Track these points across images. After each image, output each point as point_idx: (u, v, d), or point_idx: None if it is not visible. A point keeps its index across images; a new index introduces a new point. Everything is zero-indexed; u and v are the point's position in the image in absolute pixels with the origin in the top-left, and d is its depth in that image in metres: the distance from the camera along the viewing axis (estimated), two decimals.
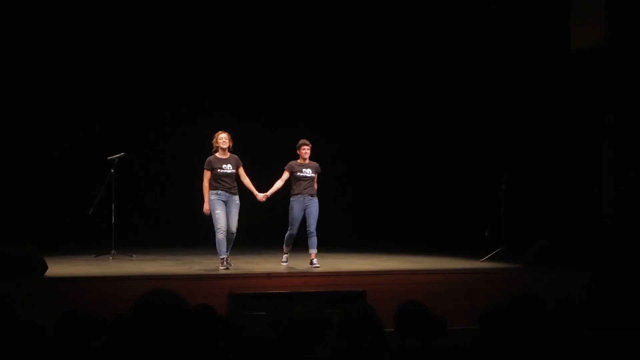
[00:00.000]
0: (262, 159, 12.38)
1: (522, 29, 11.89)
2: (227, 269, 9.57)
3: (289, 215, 10.03)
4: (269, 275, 9.14)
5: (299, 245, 12.05)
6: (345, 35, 13.52)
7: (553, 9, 11.23)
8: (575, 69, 10.83)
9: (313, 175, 10.04)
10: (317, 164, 10.14)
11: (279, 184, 10.02)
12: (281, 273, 9.39)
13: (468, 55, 12.96)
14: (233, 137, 10.02)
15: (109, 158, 10.71)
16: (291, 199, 10.01)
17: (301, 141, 10.08)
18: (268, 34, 13.47)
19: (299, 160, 10.07)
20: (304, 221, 10.05)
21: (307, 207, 9.98)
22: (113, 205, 10.59)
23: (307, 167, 10.03)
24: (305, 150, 10.02)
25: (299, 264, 10.30)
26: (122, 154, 10.71)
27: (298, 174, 9.97)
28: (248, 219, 10.71)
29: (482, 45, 12.68)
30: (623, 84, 10.32)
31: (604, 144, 10.46)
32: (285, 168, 10.05)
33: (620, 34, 10.27)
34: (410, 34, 13.38)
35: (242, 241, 12.51)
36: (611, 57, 10.29)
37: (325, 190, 13.86)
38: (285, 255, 10.25)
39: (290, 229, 10.07)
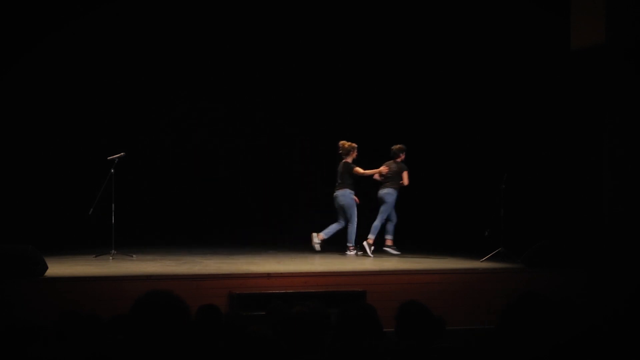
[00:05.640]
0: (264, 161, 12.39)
1: (522, 29, 11.89)
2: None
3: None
4: (269, 275, 9.13)
5: (299, 245, 12.08)
6: (347, 36, 13.53)
7: (553, 9, 11.23)
8: (575, 69, 10.83)
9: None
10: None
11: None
12: (281, 273, 9.39)
13: (468, 55, 12.97)
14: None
15: (109, 158, 10.70)
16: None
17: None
18: (271, 37, 13.49)
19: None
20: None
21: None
22: (113, 205, 10.59)
23: None
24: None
25: (299, 264, 10.30)
26: (122, 154, 10.70)
27: None
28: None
29: (482, 45, 12.68)
30: (623, 84, 10.31)
31: (603, 144, 10.46)
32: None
33: (620, 34, 10.26)
34: (410, 34, 13.38)
35: (244, 241, 12.53)
36: (611, 57, 10.29)
37: (325, 190, 13.91)
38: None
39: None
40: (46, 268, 8.67)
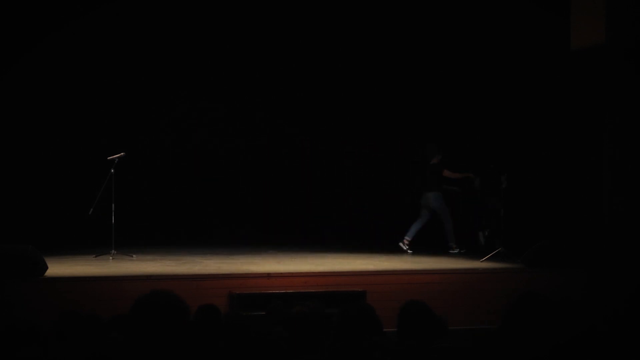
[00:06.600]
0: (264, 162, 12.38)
1: (522, 29, 11.90)
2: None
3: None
4: (269, 275, 9.12)
5: (299, 245, 12.08)
6: (347, 36, 13.54)
7: (553, 9, 11.23)
8: (575, 69, 10.83)
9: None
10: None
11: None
12: (281, 273, 9.39)
13: (468, 55, 12.97)
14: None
15: (109, 158, 10.71)
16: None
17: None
18: (271, 37, 13.50)
19: None
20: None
21: None
22: (113, 205, 10.59)
23: None
24: None
25: (299, 264, 10.30)
26: (122, 154, 10.70)
27: None
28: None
29: (483, 45, 12.68)
30: (623, 84, 10.32)
31: (603, 144, 10.46)
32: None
33: (620, 34, 10.26)
34: (411, 34, 13.39)
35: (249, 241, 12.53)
36: (611, 57, 10.29)
37: (326, 191, 13.92)
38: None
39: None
40: (46, 268, 8.67)
